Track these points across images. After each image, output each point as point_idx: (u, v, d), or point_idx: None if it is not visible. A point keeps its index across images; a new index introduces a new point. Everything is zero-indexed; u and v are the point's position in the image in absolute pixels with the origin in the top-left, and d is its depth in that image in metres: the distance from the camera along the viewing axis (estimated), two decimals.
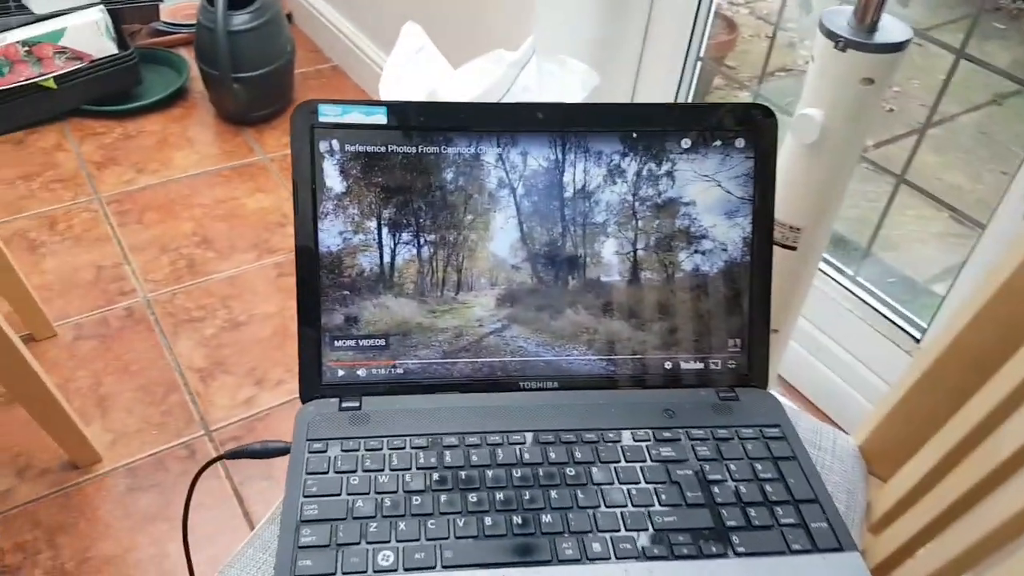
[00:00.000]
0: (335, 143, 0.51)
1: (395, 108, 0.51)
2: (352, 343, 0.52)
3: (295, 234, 0.51)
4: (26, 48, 1.62)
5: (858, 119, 0.72)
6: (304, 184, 0.51)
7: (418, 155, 0.51)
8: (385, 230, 0.51)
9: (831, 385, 1.18)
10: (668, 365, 0.55)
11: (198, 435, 1.16)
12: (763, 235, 0.54)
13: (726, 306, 0.54)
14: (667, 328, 0.54)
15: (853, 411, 1.16)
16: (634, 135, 0.52)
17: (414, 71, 1.05)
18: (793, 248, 0.80)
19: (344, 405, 0.52)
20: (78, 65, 1.67)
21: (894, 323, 1.12)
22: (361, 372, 0.52)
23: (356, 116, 0.50)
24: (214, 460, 0.52)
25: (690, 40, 1.24)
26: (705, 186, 0.54)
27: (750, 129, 0.53)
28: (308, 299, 0.51)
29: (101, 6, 1.72)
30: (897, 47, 0.67)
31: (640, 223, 0.53)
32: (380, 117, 0.50)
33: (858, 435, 0.63)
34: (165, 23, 2.00)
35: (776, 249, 0.77)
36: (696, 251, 0.54)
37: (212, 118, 1.82)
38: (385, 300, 0.51)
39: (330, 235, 0.51)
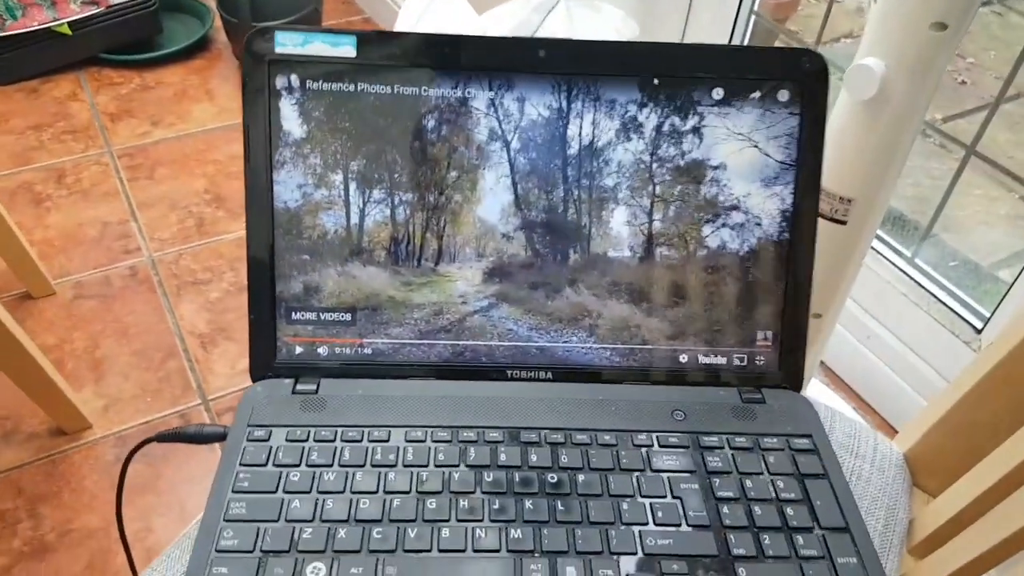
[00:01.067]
0: (294, 79, 0.43)
1: (366, 39, 0.43)
2: (312, 316, 0.44)
3: (245, 186, 0.44)
4: None
5: (926, 72, 0.62)
6: (257, 127, 0.43)
7: (393, 97, 0.43)
8: (353, 185, 0.44)
9: (880, 376, 1.11)
10: (683, 358, 0.46)
11: (195, 404, 1.11)
12: (807, 208, 0.46)
13: (757, 292, 0.46)
14: (684, 315, 0.46)
15: (903, 406, 1.09)
16: (655, 81, 0.44)
17: (433, 16, 0.97)
18: (843, 222, 0.71)
19: (299, 388, 0.44)
20: (95, 10, 1.61)
21: (953, 311, 1.04)
22: (322, 350, 0.45)
23: (319, 47, 0.43)
24: (143, 443, 0.46)
25: None
26: (739, 147, 0.45)
27: (797, 80, 0.45)
28: (261, 263, 0.44)
29: None
30: None
31: (658, 189, 0.45)
32: (348, 49, 0.43)
33: (904, 441, 0.56)
34: None
35: (822, 223, 0.71)
36: (724, 224, 0.45)
37: (234, 70, 1.75)
38: (352, 268, 0.44)
39: (287, 188, 0.44)
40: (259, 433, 0.42)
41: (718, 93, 0.45)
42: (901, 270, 1.09)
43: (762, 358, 0.47)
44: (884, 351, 1.10)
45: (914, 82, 0.62)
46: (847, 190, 0.69)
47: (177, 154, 1.53)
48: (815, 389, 1.11)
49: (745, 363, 0.47)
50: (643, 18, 0.98)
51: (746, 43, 1.22)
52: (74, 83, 1.68)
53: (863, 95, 0.63)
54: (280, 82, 0.43)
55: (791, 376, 0.47)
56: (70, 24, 1.60)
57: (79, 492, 1.01)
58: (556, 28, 0.90)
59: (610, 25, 0.92)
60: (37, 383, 1.00)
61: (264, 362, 0.45)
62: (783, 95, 0.45)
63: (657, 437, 0.43)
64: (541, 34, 0.91)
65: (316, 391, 0.44)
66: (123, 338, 1.20)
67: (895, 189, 0.72)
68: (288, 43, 0.43)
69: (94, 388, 1.13)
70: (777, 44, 1.45)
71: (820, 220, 0.69)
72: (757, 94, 0.45)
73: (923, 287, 1.07)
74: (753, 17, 1.20)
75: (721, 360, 0.46)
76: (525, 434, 0.43)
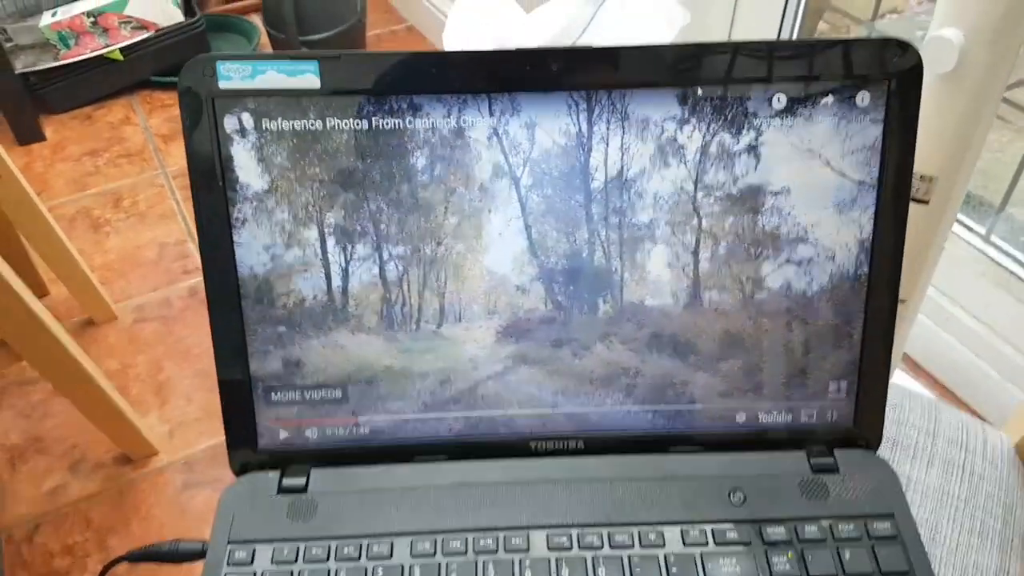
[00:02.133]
0: (246, 118, 0.35)
1: (331, 64, 0.35)
2: (296, 396, 0.38)
3: (200, 252, 0.37)
4: (91, 19, 1.58)
5: (1006, 42, 0.58)
6: (207, 179, 0.36)
7: (372, 132, 0.36)
8: (331, 242, 0.37)
9: (962, 361, 1.06)
10: (740, 418, 0.39)
11: None
12: (891, 236, 0.37)
13: (829, 337, 0.38)
14: (740, 368, 0.38)
15: (989, 391, 1.04)
16: (698, 92, 0.36)
17: (482, 18, 0.91)
18: (924, 202, 0.67)
19: (285, 483, 0.38)
20: (144, 35, 1.63)
21: None
22: (311, 433, 0.39)
23: (274, 78, 0.35)
24: (113, 563, 0.41)
25: None
26: (806, 166, 0.36)
27: (882, 80, 0.36)
28: (228, 339, 0.37)
29: None
30: None
31: (705, 223, 0.37)
32: (310, 78, 0.35)
33: (1013, 430, 0.52)
34: None
35: None
36: (788, 261, 0.37)
37: None
38: (338, 337, 0.38)
39: (251, 251, 0.37)
40: (241, 554, 0.36)
41: (779, 101, 0.36)
42: (977, 248, 1.03)
43: (834, 413, 0.39)
44: (964, 334, 1.05)
45: (995, 52, 0.58)
46: (927, 168, 0.65)
47: None
48: (899, 379, 1.04)
49: (814, 419, 0.39)
50: (693, 4, 0.92)
51: (798, 20, 1.14)
52: (127, 107, 1.69)
53: (942, 68, 0.59)
54: (229, 124, 0.36)
55: (869, 432, 0.39)
56: (121, 50, 1.61)
57: (148, 521, 0.99)
58: (607, 21, 0.83)
59: (661, 14, 0.84)
60: (104, 411, 0.99)
61: (245, 452, 0.39)
62: (863, 99, 0.36)
63: (713, 532, 0.36)
64: (593, 28, 0.84)
65: (305, 487, 0.38)
66: (185, 360, 1.19)
67: (975, 164, 0.68)
68: (234, 75, 0.35)
69: (159, 413, 1.12)
70: (821, 25, 1.35)
71: None
72: (830, 99, 0.36)
73: (1002, 265, 1.02)
74: None
75: (786, 418, 0.39)
76: (554, 538, 0.36)
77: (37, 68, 1.56)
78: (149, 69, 1.67)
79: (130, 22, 1.61)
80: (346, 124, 0.36)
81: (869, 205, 0.37)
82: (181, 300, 1.28)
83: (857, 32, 1.43)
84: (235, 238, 0.36)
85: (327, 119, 0.36)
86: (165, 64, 1.68)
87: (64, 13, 1.58)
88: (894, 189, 0.37)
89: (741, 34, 1.18)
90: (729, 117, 0.36)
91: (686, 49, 0.36)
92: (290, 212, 0.36)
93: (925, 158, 0.64)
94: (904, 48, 0.36)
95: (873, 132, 0.36)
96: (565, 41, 0.85)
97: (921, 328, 1.07)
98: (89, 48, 1.59)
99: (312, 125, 0.36)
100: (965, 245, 1.04)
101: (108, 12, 1.59)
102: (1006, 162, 0.98)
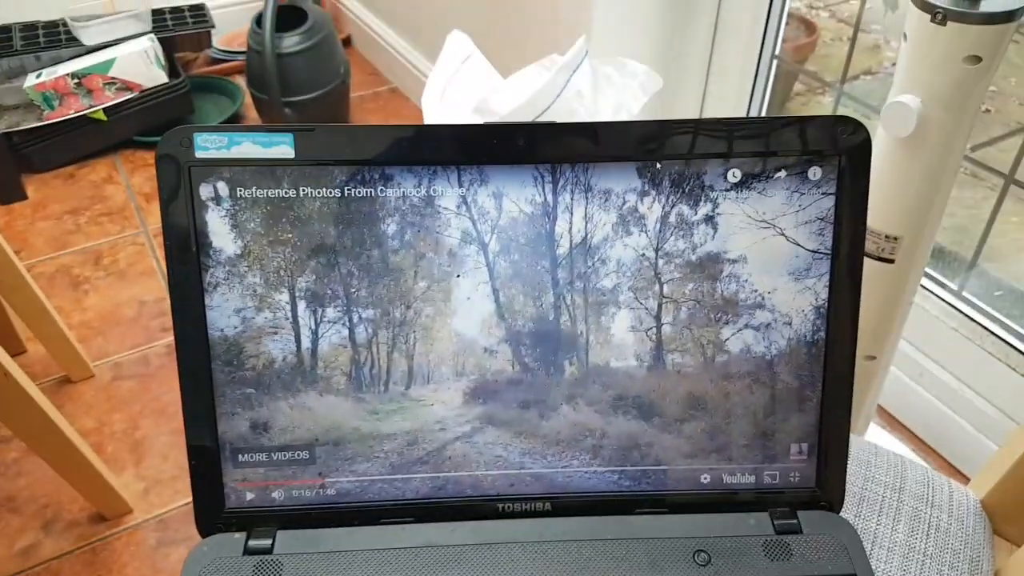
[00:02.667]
0: (221, 187, 0.37)
1: (306, 136, 0.37)
2: (263, 456, 0.39)
3: (172, 314, 0.38)
4: (76, 80, 1.60)
5: (963, 106, 0.60)
6: (181, 245, 0.37)
7: (343, 200, 0.37)
8: (302, 305, 0.38)
9: (936, 414, 1.07)
10: (704, 479, 0.39)
11: None
12: (846, 302, 0.39)
13: (789, 399, 0.39)
14: (704, 429, 0.39)
15: (965, 445, 1.05)
16: (657, 166, 0.37)
17: (460, 82, 0.94)
18: (890, 261, 0.69)
19: (251, 545, 0.38)
20: (128, 95, 1.64)
21: (1007, 342, 1.01)
22: (277, 495, 0.39)
23: (250, 148, 0.36)
24: None
25: (764, 34, 1.10)
26: (761, 236, 0.38)
27: (832, 155, 0.38)
28: (197, 401, 0.38)
29: (151, 35, 1.70)
30: (1008, 16, 0.55)
31: (666, 288, 0.38)
32: (285, 149, 0.36)
33: (980, 487, 0.54)
34: (220, 50, 1.97)
35: (871, 263, 0.69)
36: (747, 325, 0.39)
37: None
38: (306, 399, 0.38)
39: (223, 315, 0.37)
40: None
41: (734, 175, 0.38)
42: (949, 303, 1.05)
43: (797, 475, 0.39)
44: (938, 388, 1.06)
45: (952, 117, 0.61)
46: (892, 228, 0.68)
47: None
48: (874, 434, 1.07)
49: (777, 481, 0.40)
50: (667, 69, 0.95)
51: (770, 85, 1.17)
52: (110, 166, 1.70)
53: (901, 133, 0.61)
54: (205, 191, 0.37)
55: (830, 493, 0.40)
56: (105, 110, 1.63)
57: None
58: (582, 86, 0.86)
59: (636, 80, 0.87)
60: (78, 469, 0.98)
61: (211, 514, 0.39)
62: (815, 173, 0.38)
63: None
64: (568, 91, 0.87)
65: (271, 548, 0.38)
66: (162, 417, 1.18)
67: (940, 223, 0.70)
68: (210, 146, 0.36)
69: (134, 471, 1.11)
70: (797, 85, 1.40)
71: (868, 260, 0.68)
72: (783, 174, 0.38)
73: (974, 320, 1.03)
74: (775, 61, 1.15)
75: (749, 479, 0.39)
76: None
77: (20, 128, 1.58)
78: (133, 129, 1.69)
79: (114, 83, 1.63)
80: (319, 192, 0.37)
81: (824, 273, 0.38)
82: (159, 358, 1.27)
83: (826, 95, 1.48)
84: (207, 301, 0.37)
85: (300, 188, 0.37)
86: (149, 124, 1.69)
87: (49, 74, 1.60)
88: (847, 258, 0.38)
89: (713, 99, 1.21)
90: (687, 190, 0.38)
91: (645, 126, 0.37)
92: (262, 276, 0.37)
93: (889, 218, 0.66)
94: (854, 125, 0.38)
95: (825, 204, 0.38)
96: (540, 106, 0.88)
97: (895, 382, 1.08)
98: (73, 108, 1.61)
99: (286, 193, 0.37)
100: (937, 301, 1.06)
101: (93, 74, 1.61)
102: (982, 218, 1.01)
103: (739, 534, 0.38)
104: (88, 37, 1.66)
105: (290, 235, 0.37)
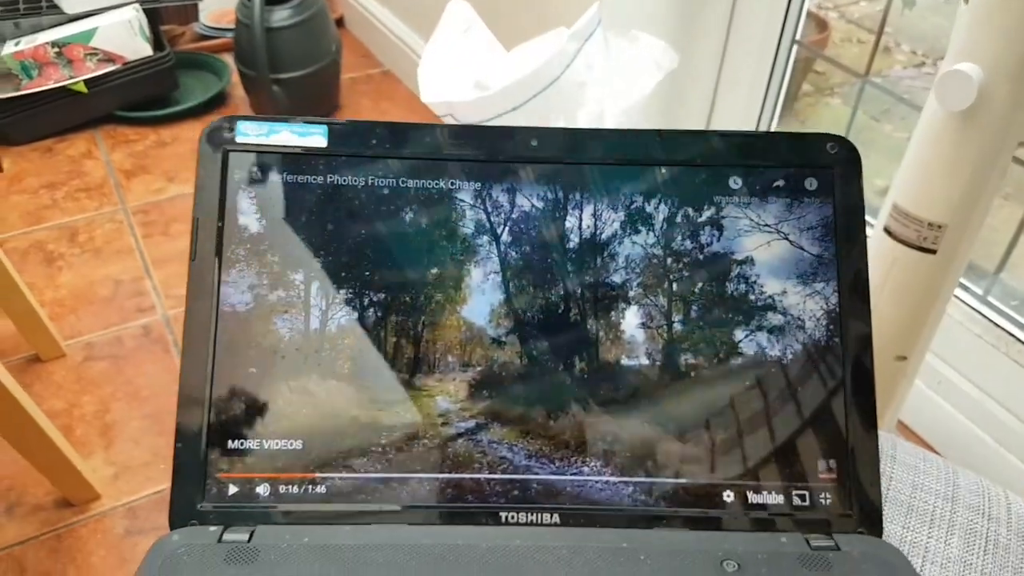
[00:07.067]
0: (255, 170, 0.38)
1: (339, 129, 0.39)
2: (254, 444, 0.36)
3: (188, 286, 0.38)
4: (56, 49, 1.55)
5: None
6: (208, 221, 0.38)
7: (368, 189, 0.38)
8: (315, 286, 0.37)
9: (954, 425, 1.02)
10: (728, 496, 0.37)
11: None
12: (855, 310, 0.38)
13: (809, 410, 0.37)
14: (722, 440, 0.37)
15: (986, 461, 0.99)
16: (662, 170, 0.39)
17: (459, 54, 0.90)
18: (932, 251, 0.63)
19: (226, 538, 0.35)
20: (110, 68, 1.60)
21: None
22: (261, 489, 0.36)
23: (286, 137, 0.39)
24: None
25: (785, 17, 1.07)
26: (766, 239, 0.38)
27: (824, 168, 0.39)
28: (193, 376, 0.36)
29: (136, 5, 1.65)
30: None
31: (675, 286, 0.38)
32: (318, 139, 0.39)
33: None
34: (208, 27, 1.93)
35: (909, 253, 0.64)
36: (760, 327, 0.37)
37: None
38: (307, 382, 0.36)
39: (237, 289, 0.37)
40: None
41: (735, 183, 0.39)
42: (973, 308, 0.99)
43: (828, 496, 0.37)
44: (958, 398, 1.00)
45: (1017, 88, 0.55)
46: (936, 215, 0.61)
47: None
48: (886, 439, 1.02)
49: (807, 502, 0.37)
50: (682, 44, 0.92)
51: (788, 72, 1.15)
52: (89, 141, 1.67)
53: (958, 105, 0.56)
54: (239, 174, 0.38)
55: (867, 516, 0.37)
56: (86, 82, 1.59)
57: (85, 570, 0.95)
58: (593, 58, 0.82)
59: (650, 55, 0.85)
60: (43, 452, 0.95)
61: (185, 505, 0.36)
62: (811, 183, 0.39)
63: None
64: (578, 63, 0.84)
65: (248, 541, 0.35)
66: (135, 401, 1.15)
67: (988, 212, 0.64)
68: (251, 132, 0.39)
69: (104, 455, 1.08)
70: (805, 85, 1.38)
71: (906, 250, 0.64)
72: (781, 182, 0.39)
73: (999, 327, 0.97)
74: (795, 46, 1.13)
75: (776, 498, 0.37)
76: None
77: None
78: (114, 103, 1.65)
79: (96, 54, 1.58)
80: (344, 180, 0.39)
81: (831, 278, 0.38)
82: (133, 339, 1.24)
83: (835, 97, 1.46)
84: (223, 276, 0.37)
85: (327, 176, 0.39)
86: (131, 98, 1.65)
87: (28, 43, 1.55)
88: (851, 263, 0.39)
89: (727, 84, 1.19)
90: (691, 194, 0.39)
91: (651, 136, 0.39)
92: (280, 255, 0.38)
93: (933, 204, 0.61)
94: (842, 143, 0.39)
95: (825, 211, 0.39)
96: (548, 77, 0.85)
97: (911, 390, 1.05)
98: (52, 79, 1.56)
99: (313, 180, 0.39)
100: (959, 304, 1.01)
101: (74, 43, 1.56)
102: (996, 227, 0.97)
103: (769, 549, 0.36)
104: (70, 5, 1.61)
105: (313, 219, 0.38)
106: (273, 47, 1.56)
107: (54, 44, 1.55)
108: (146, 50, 1.64)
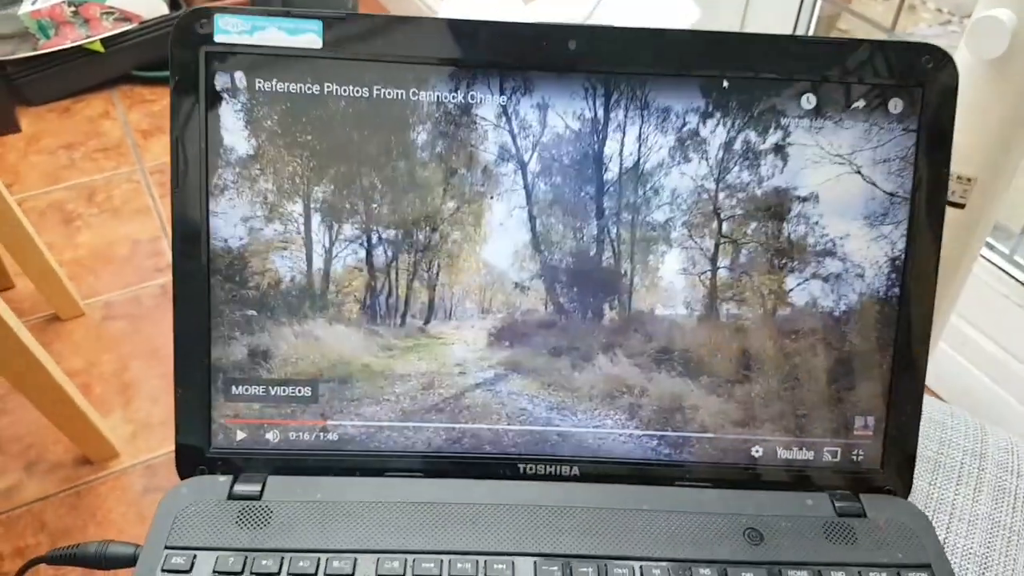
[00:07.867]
0: (239, 78, 0.33)
1: (335, 24, 0.32)
2: (259, 390, 0.34)
3: (172, 217, 0.34)
4: (72, 8, 1.53)
5: None
6: (189, 139, 0.33)
7: (372, 101, 0.33)
8: (316, 219, 0.33)
9: (978, 387, 0.99)
10: (756, 452, 0.35)
11: None
12: (925, 256, 0.34)
13: (856, 365, 0.35)
14: (758, 394, 0.35)
15: (1011, 424, 0.96)
16: (724, 84, 0.33)
17: (476, 8, 0.88)
18: (961, 206, 0.60)
19: (237, 489, 0.34)
20: (127, 27, 1.58)
21: None
22: (271, 436, 0.34)
23: (274, 35, 0.32)
24: (30, 564, 0.36)
25: None
26: (836, 172, 0.34)
27: (914, 86, 0.33)
28: (191, 319, 0.34)
29: None
30: None
31: (725, 227, 0.34)
32: (312, 37, 0.32)
33: None
34: None
35: None
36: (815, 275, 0.34)
37: None
38: (313, 327, 0.34)
39: (228, 222, 0.33)
40: (178, 560, 0.32)
41: (809, 101, 0.34)
42: (1000, 268, 0.96)
43: (861, 452, 0.35)
44: (982, 359, 0.98)
45: None
46: (966, 167, 0.59)
47: None
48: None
49: (838, 458, 0.35)
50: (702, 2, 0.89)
51: (813, 24, 1.11)
52: (106, 101, 1.66)
53: (990, 53, 0.53)
54: (220, 81, 0.33)
55: (899, 477, 0.36)
56: (103, 41, 1.57)
57: (105, 526, 0.95)
58: (612, 11, 0.80)
59: (668, 5, 0.81)
60: (62, 410, 0.95)
61: (194, 453, 0.34)
62: (896, 105, 0.34)
63: (727, 573, 0.32)
64: (594, 19, 0.81)
65: (260, 495, 0.34)
66: (153, 360, 1.15)
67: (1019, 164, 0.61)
68: (232, 29, 0.32)
69: (122, 413, 1.08)
70: (835, 33, 1.33)
71: None
72: (861, 103, 0.34)
73: None
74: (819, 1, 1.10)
75: (807, 455, 0.35)
76: (543, 566, 0.32)
77: (14, 57, 1.52)
78: (131, 62, 1.63)
79: (113, 13, 1.57)
80: (345, 90, 0.33)
81: (902, 220, 0.34)
82: (152, 299, 1.24)
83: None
84: (211, 207, 0.33)
85: (325, 84, 0.33)
86: (148, 58, 1.63)
87: (44, 1, 1.54)
88: (929, 201, 0.34)
89: (753, 25, 1.16)
90: (756, 114, 0.34)
91: (714, 37, 0.33)
92: (275, 182, 0.33)
93: (964, 156, 0.59)
94: (937, 53, 0.34)
95: (906, 141, 0.34)
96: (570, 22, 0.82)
97: (933, 351, 1.02)
98: (69, 38, 1.55)
99: (309, 89, 0.33)
100: (985, 263, 0.98)
101: (90, 2, 1.54)
102: (1021, 188, 0.92)
103: (795, 513, 0.34)
104: None
105: (310, 137, 0.33)
106: (290, 5, 1.54)
107: (70, 3, 1.53)
108: (163, 8, 1.62)
